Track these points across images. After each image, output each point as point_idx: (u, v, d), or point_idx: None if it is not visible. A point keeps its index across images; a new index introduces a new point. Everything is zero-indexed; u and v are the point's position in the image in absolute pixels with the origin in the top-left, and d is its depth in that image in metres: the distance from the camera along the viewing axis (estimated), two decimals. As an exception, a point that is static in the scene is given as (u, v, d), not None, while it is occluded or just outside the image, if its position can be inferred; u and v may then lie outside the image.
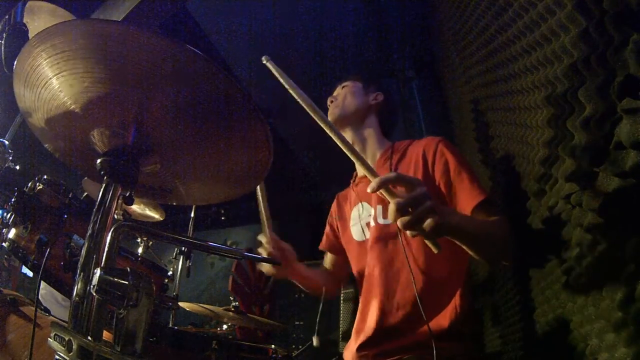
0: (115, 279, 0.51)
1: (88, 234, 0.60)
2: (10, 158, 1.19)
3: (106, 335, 0.59)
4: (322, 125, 0.76)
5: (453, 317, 0.99)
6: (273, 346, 1.34)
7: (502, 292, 1.25)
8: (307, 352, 2.17)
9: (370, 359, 1.03)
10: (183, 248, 2.18)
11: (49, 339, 0.53)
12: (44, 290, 1.93)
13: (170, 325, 1.81)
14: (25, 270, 2.69)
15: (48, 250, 1.00)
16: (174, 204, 0.86)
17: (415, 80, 3.06)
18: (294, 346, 2.87)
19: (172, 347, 1.06)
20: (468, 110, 1.60)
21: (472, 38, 1.33)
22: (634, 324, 0.53)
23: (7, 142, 1.21)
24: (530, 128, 0.87)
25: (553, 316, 0.81)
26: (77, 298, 0.56)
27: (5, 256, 1.54)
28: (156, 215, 2.11)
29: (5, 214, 1.15)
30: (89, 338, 0.52)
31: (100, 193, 0.63)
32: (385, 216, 1.11)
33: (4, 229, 1.14)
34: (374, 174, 0.72)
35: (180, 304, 1.65)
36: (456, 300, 1.01)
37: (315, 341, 1.31)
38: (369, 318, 1.07)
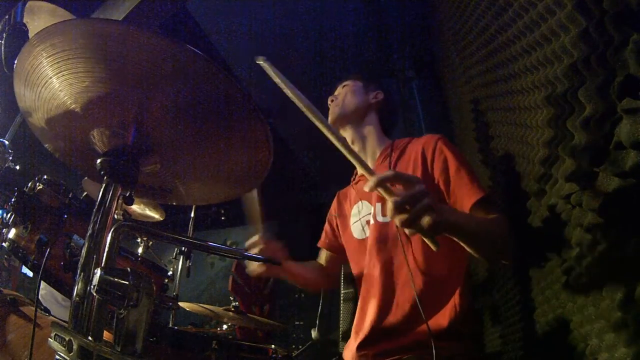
0: (116, 279, 0.51)
1: (88, 234, 0.60)
2: (10, 158, 1.19)
3: (106, 335, 0.59)
4: (319, 125, 0.75)
5: (452, 317, 0.98)
6: (273, 346, 1.34)
7: (502, 292, 1.25)
8: (307, 352, 2.17)
9: (369, 359, 1.03)
10: (183, 248, 2.18)
11: (50, 339, 0.53)
12: (44, 290, 1.93)
13: (170, 325, 1.81)
14: (25, 270, 2.69)
15: (48, 250, 1.00)
16: (174, 204, 0.86)
17: (415, 80, 3.06)
18: (294, 346, 2.87)
19: (172, 347, 1.06)
20: (468, 110, 1.60)
21: (472, 38, 1.33)
22: (634, 324, 0.53)
23: (7, 142, 1.21)
24: (530, 128, 0.87)
25: (553, 316, 0.81)
26: (77, 298, 0.56)
27: (5, 256, 1.54)
28: (156, 215, 2.11)
29: (5, 214, 1.15)
30: (90, 338, 0.52)
31: (100, 193, 0.63)
32: (384, 214, 1.11)
33: (4, 229, 1.14)
34: (371, 172, 0.72)
35: (180, 304, 1.65)
36: (456, 299, 1.01)
37: (314, 334, 1.31)
38: (368, 317, 1.07)
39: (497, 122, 1.19)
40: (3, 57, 0.97)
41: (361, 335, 1.06)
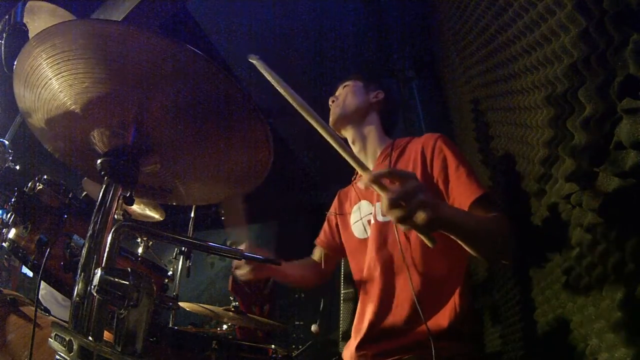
0: (116, 279, 0.51)
1: (88, 234, 0.60)
2: (10, 158, 1.19)
3: (107, 335, 0.59)
4: (312, 123, 0.74)
5: (452, 317, 0.98)
6: (273, 346, 1.34)
7: (502, 292, 1.25)
8: (307, 352, 2.17)
9: (369, 359, 1.03)
10: (183, 248, 2.18)
11: (50, 339, 0.53)
12: (44, 290, 1.93)
13: (170, 325, 1.81)
14: (25, 270, 2.69)
15: (48, 250, 1.00)
16: (174, 204, 0.86)
17: (415, 80, 3.05)
18: (294, 346, 2.88)
19: (172, 347, 1.06)
20: (468, 110, 1.60)
21: (472, 38, 1.33)
22: (634, 324, 0.53)
23: (7, 142, 1.21)
24: (530, 128, 0.87)
25: (553, 316, 0.81)
26: (77, 298, 0.56)
27: (5, 256, 1.54)
28: (156, 215, 2.11)
29: (5, 214, 1.16)
30: (90, 338, 0.52)
31: (101, 193, 0.63)
32: (385, 213, 1.11)
33: (4, 229, 1.14)
34: (364, 168, 0.71)
35: (180, 304, 1.65)
36: (455, 299, 1.01)
37: (314, 327, 1.31)
38: (367, 317, 1.07)
39: (497, 122, 1.19)
40: (3, 57, 0.97)
41: (360, 335, 1.06)
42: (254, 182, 0.78)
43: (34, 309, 0.86)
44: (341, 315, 2.07)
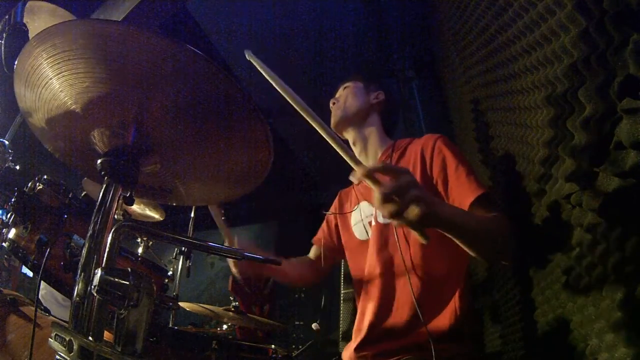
0: (116, 279, 0.51)
1: (89, 234, 0.60)
2: (10, 158, 1.19)
3: (107, 335, 0.59)
4: (305, 116, 0.74)
5: (453, 319, 0.98)
6: (273, 346, 1.34)
7: (502, 292, 1.25)
8: (307, 352, 2.17)
9: (369, 359, 1.03)
10: (183, 248, 2.18)
11: (50, 339, 0.53)
12: (44, 290, 1.93)
13: (170, 325, 1.81)
14: (25, 270, 2.69)
15: (48, 250, 1.00)
16: (174, 204, 0.86)
17: (415, 80, 3.05)
18: (294, 346, 2.88)
19: (172, 347, 1.06)
20: (468, 110, 1.60)
21: (472, 38, 1.33)
22: (634, 324, 0.53)
23: (7, 142, 1.21)
24: (530, 128, 0.87)
25: (553, 316, 0.81)
26: (77, 298, 0.56)
27: (5, 256, 1.54)
28: (156, 215, 2.11)
29: (5, 214, 1.15)
30: (90, 338, 0.52)
31: (101, 193, 0.63)
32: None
33: (4, 229, 1.14)
34: (357, 162, 0.70)
35: (180, 304, 1.65)
36: (456, 301, 1.00)
37: (314, 326, 1.31)
38: (367, 318, 1.07)
39: (497, 122, 1.19)
40: (3, 57, 0.97)
41: (360, 336, 1.06)
42: (254, 182, 0.78)
43: (34, 309, 0.86)
44: (341, 315, 2.07)
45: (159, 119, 0.65)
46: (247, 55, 0.81)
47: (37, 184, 1.16)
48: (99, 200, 0.62)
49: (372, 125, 1.28)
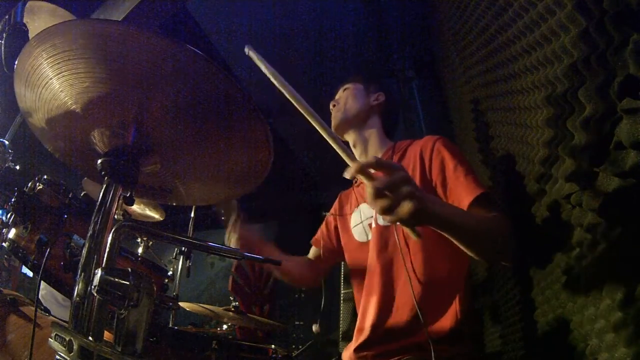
0: (116, 280, 0.51)
1: (89, 234, 0.60)
2: (10, 158, 1.19)
3: (107, 335, 0.59)
4: (303, 111, 0.73)
5: (453, 320, 0.98)
6: (273, 346, 1.34)
7: (502, 292, 1.25)
8: (307, 352, 2.17)
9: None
10: (183, 248, 2.18)
11: (50, 339, 0.53)
12: (44, 290, 1.93)
13: (170, 325, 1.81)
14: (25, 270, 2.69)
15: (48, 250, 1.00)
16: (174, 204, 0.86)
17: (415, 80, 3.05)
18: (294, 346, 2.88)
19: (172, 347, 1.06)
20: (468, 110, 1.60)
21: (472, 38, 1.33)
22: (634, 324, 0.53)
23: (7, 142, 1.21)
24: (530, 128, 0.87)
25: (553, 316, 0.81)
26: (77, 298, 0.56)
27: (5, 256, 1.54)
28: (156, 215, 2.11)
29: (5, 214, 1.15)
30: (90, 338, 0.52)
31: (101, 193, 0.63)
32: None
33: (4, 229, 1.14)
34: (352, 158, 0.69)
35: (180, 304, 1.65)
36: (456, 302, 1.00)
37: (315, 327, 1.31)
38: (368, 320, 1.07)
39: (497, 122, 1.19)
40: (3, 57, 0.97)
41: (361, 337, 1.06)
42: (254, 182, 0.78)
43: (34, 309, 0.86)
44: (341, 315, 2.07)
45: (159, 119, 0.65)
46: (246, 51, 0.81)
47: (37, 184, 1.16)
48: (99, 200, 0.62)
49: (372, 127, 1.28)
